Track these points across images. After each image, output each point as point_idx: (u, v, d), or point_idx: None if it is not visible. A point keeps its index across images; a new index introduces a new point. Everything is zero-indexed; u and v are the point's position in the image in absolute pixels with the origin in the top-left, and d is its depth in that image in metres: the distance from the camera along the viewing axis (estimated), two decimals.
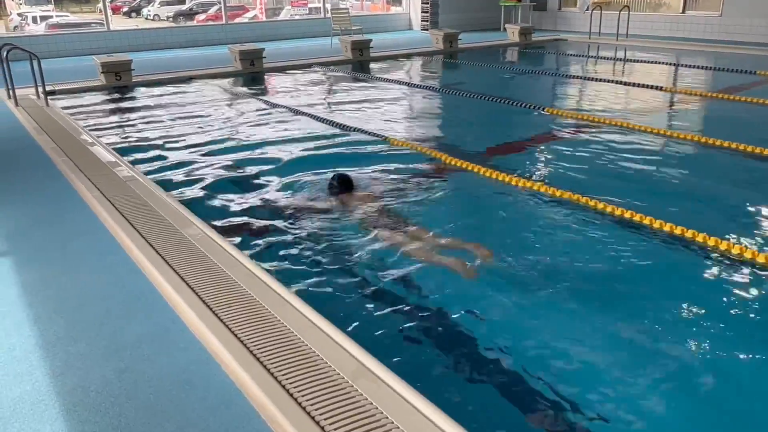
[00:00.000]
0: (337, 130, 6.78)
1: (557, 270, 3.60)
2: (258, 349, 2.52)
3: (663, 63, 11.15)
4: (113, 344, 2.67)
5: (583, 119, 7.11)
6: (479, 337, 3.01)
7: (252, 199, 4.82)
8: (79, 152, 5.61)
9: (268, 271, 3.32)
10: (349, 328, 2.90)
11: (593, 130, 6.73)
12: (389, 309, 3.25)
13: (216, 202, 4.75)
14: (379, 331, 3.04)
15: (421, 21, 17.44)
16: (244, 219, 4.45)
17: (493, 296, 3.35)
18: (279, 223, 4.31)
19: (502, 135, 6.77)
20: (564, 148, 6.06)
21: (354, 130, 6.72)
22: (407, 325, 3.12)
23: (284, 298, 2.96)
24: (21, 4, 29.47)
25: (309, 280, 3.50)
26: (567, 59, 12.30)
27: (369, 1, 31.97)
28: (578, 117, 7.19)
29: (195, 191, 4.96)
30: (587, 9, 16.49)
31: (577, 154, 5.86)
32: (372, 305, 3.28)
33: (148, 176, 5.21)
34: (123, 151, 5.97)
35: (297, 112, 7.63)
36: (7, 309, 2.99)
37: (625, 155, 5.77)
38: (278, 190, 4.96)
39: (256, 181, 5.21)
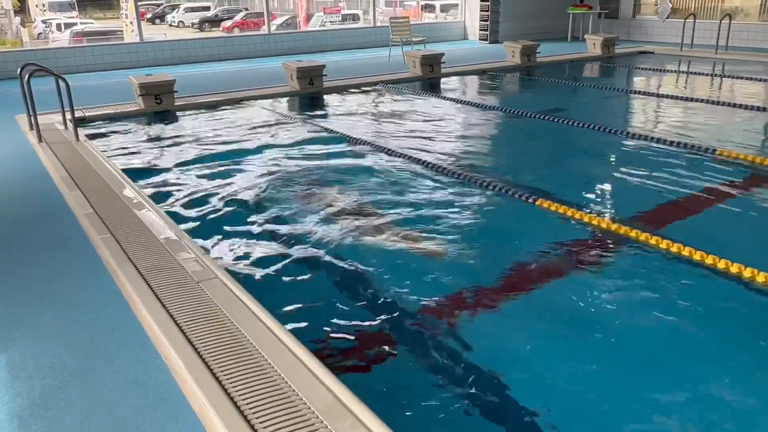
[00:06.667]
0: (449, 181, 5.20)
1: None
2: None
3: None
4: None
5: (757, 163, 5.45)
6: None
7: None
8: (124, 220, 4.07)
9: None
10: None
11: None
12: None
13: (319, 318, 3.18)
14: None
15: (479, 30, 15.82)
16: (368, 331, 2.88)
17: None
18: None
19: (667, 189, 5.12)
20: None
21: (476, 185, 5.12)
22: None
23: None
24: (45, 10, 28.40)
25: None
26: (676, 77, 10.58)
27: (401, 7, 30.63)
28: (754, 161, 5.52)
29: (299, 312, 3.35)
30: (667, 17, 14.79)
31: None
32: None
33: (220, 260, 3.69)
34: (177, 207, 4.54)
35: (382, 150, 6.05)
36: None
37: None
38: (395, 288, 3.38)
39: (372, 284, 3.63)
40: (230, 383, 2.36)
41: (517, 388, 2.62)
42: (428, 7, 28.10)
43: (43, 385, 2.46)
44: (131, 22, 13.20)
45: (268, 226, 4.34)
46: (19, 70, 6.39)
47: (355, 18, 24.39)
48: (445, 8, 25.60)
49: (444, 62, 10.49)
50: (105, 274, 3.38)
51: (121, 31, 18.26)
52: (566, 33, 15.80)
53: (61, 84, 6.30)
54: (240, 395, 2.29)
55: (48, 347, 2.71)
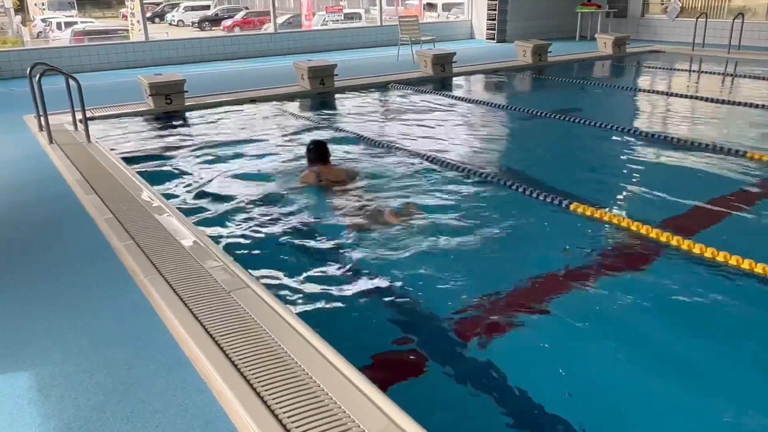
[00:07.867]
0: (473, 183, 5.05)
1: None
2: None
3: None
4: None
5: None
6: None
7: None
8: (145, 225, 3.92)
9: None
10: None
11: None
12: None
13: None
14: None
15: (487, 29, 15.67)
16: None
17: None
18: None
19: (696, 190, 4.97)
20: None
21: (504, 187, 4.98)
22: None
23: None
24: (44, 9, 28.17)
25: None
26: (692, 77, 10.42)
27: (402, 6, 30.47)
28: None
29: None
30: (676, 16, 14.65)
31: None
32: None
33: (252, 271, 3.52)
34: (197, 211, 4.41)
35: (399, 150, 5.89)
36: None
37: None
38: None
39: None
40: (279, 406, 2.21)
41: (552, 398, 2.51)
42: (430, 6, 27.92)
43: (76, 405, 2.30)
44: (138, 21, 13.02)
45: (289, 230, 4.19)
46: (28, 69, 6.22)
47: (358, 17, 24.21)
48: (446, 7, 25.42)
49: (455, 62, 10.34)
50: (131, 283, 3.22)
51: (123, 29, 18.07)
52: (574, 32, 15.67)
53: (72, 83, 6.15)
54: (291, 420, 2.14)
55: (78, 364, 2.56)
